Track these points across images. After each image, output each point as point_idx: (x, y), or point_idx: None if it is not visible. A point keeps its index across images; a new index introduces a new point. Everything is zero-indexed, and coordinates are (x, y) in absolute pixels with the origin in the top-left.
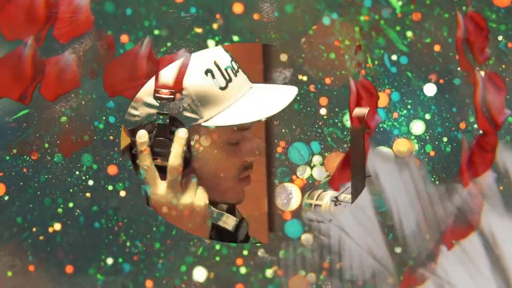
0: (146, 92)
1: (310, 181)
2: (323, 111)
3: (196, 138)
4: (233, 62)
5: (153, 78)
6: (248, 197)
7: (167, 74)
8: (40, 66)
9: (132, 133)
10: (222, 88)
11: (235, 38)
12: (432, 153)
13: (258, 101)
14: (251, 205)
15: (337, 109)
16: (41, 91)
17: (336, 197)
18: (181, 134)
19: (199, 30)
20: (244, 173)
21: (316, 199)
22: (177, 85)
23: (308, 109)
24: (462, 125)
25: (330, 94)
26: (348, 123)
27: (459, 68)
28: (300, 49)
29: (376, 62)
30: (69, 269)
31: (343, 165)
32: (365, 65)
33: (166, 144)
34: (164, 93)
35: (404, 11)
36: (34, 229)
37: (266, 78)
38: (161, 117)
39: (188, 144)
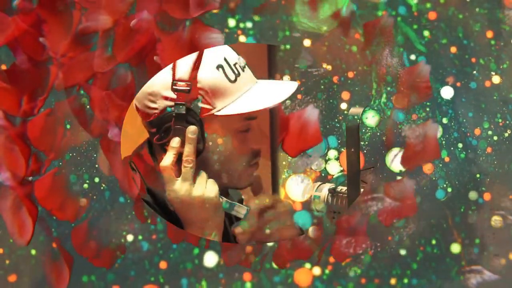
0: (163, 86)
1: (323, 175)
2: (343, 106)
3: (210, 126)
4: (240, 59)
5: (169, 73)
6: None
7: (183, 69)
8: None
9: (151, 124)
10: (232, 82)
11: (256, 18)
12: (447, 159)
13: (263, 93)
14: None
15: (357, 106)
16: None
17: (334, 189)
18: (191, 133)
19: (215, 10)
20: (254, 160)
21: (316, 190)
22: (192, 79)
23: (331, 101)
24: (477, 131)
25: (352, 88)
26: (366, 121)
27: (475, 72)
28: (322, 37)
29: (396, 60)
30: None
31: None
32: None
33: (184, 133)
34: (181, 86)
35: (420, 9)
36: None
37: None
38: (180, 106)
39: (201, 135)
